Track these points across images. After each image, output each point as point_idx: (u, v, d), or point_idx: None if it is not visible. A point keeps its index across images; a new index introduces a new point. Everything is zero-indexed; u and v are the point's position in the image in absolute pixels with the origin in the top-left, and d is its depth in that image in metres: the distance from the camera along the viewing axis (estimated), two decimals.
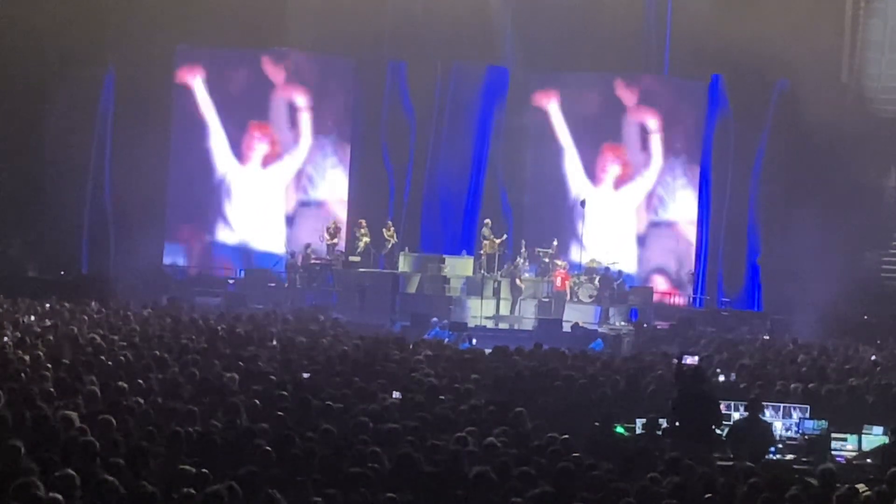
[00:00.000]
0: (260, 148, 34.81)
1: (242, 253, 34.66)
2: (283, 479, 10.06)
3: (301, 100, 35.02)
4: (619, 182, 36.02)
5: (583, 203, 33.53)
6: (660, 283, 35.66)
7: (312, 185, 35.38)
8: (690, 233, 35.93)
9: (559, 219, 35.64)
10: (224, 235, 34.80)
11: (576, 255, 34.59)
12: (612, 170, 36.01)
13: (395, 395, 14.90)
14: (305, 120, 35.09)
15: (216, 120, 34.58)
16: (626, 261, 35.09)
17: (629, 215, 36.01)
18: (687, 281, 35.67)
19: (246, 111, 34.88)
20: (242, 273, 33.40)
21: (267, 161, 34.88)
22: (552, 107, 36.04)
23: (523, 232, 34.51)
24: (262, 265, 33.95)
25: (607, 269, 33.36)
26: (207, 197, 34.67)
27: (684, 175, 35.99)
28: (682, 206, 36.04)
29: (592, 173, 36.03)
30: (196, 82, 34.44)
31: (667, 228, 36.10)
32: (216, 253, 34.77)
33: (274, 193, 35.03)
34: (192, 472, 9.83)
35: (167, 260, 33.95)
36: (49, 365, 15.14)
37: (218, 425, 12.10)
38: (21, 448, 10.00)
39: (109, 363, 15.73)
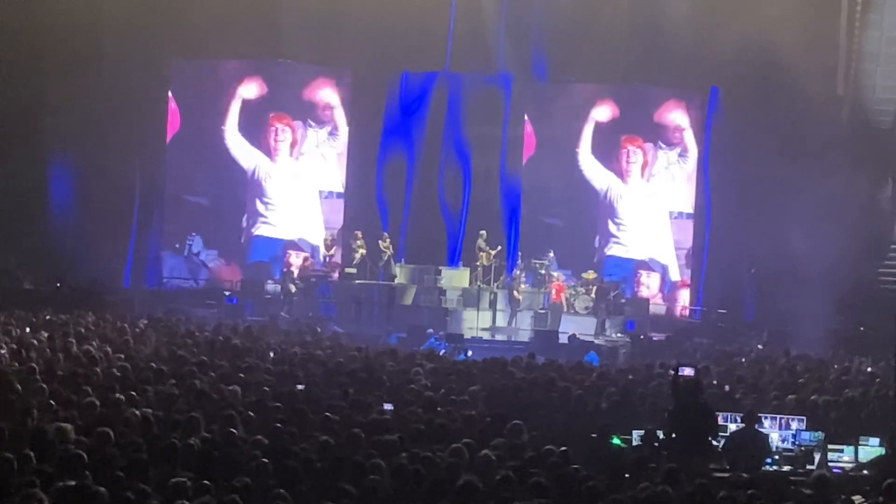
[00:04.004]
0: (285, 139, 34.82)
1: (281, 245, 34.65)
2: (278, 490, 10.03)
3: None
4: (646, 173, 36.03)
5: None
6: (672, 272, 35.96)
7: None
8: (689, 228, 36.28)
9: (581, 224, 35.81)
10: (262, 230, 34.76)
11: (618, 251, 35.46)
12: (637, 160, 36.02)
13: (387, 406, 14.86)
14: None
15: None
16: (664, 252, 35.74)
17: (660, 206, 36.14)
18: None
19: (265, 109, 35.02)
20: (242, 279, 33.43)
21: (293, 152, 34.96)
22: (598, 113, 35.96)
23: (521, 244, 34.54)
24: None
25: (604, 279, 33.47)
26: (232, 193, 34.58)
27: (682, 171, 36.26)
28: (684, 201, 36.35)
29: (618, 169, 35.97)
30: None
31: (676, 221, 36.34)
32: (255, 246, 34.70)
33: (304, 184, 35.08)
34: (189, 484, 9.81)
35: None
36: (45, 377, 15.11)
37: (213, 437, 12.07)
38: (15, 461, 9.98)
39: (105, 375, 15.71)
